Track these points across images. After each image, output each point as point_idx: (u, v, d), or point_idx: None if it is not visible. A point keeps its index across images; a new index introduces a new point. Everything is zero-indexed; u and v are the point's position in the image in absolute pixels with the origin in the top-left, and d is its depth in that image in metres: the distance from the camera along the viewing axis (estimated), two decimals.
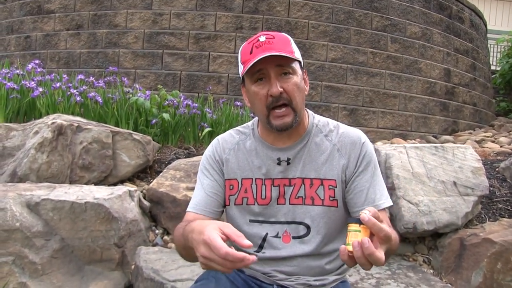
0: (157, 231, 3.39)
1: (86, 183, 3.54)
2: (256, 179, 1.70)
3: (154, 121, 4.53)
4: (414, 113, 7.18)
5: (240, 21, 6.55)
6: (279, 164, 1.68)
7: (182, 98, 5.10)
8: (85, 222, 2.92)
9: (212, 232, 1.27)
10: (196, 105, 4.91)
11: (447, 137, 6.99)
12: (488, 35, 10.16)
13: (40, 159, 3.43)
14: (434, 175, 3.54)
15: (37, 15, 7.36)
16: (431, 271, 3.35)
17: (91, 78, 5.02)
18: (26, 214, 2.86)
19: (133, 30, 6.66)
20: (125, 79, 5.10)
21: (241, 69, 1.63)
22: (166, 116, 4.51)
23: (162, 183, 3.49)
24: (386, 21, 7.08)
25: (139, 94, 4.78)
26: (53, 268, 2.86)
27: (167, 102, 4.81)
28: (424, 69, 7.37)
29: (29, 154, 3.42)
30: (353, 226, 1.28)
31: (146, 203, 3.43)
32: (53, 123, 3.54)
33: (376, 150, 3.68)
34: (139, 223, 3.19)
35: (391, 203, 1.69)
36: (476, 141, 6.45)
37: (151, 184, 3.54)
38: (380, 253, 1.25)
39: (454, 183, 3.55)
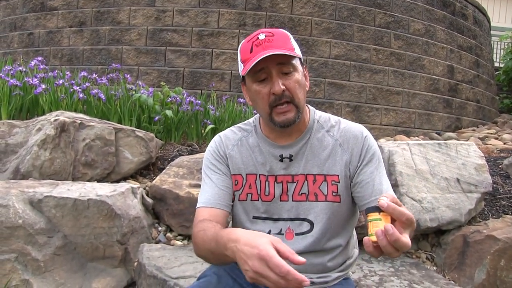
0: (160, 228, 3.39)
1: (89, 180, 3.54)
2: (260, 175, 1.70)
3: (157, 118, 4.53)
4: (418, 110, 7.17)
5: (243, 18, 6.54)
6: (281, 161, 1.68)
7: (185, 95, 5.09)
8: (88, 219, 2.92)
9: (269, 247, 1.22)
10: (199, 102, 4.90)
11: (451, 134, 6.97)
12: (492, 32, 10.14)
13: (42, 156, 3.43)
14: (437, 172, 3.54)
15: (40, 12, 7.37)
16: (434, 268, 3.34)
17: (94, 75, 5.02)
18: (29, 211, 2.86)
19: (136, 27, 6.66)
20: (128, 76, 5.09)
21: (241, 68, 1.62)
22: (169, 113, 4.50)
23: (165, 180, 3.48)
24: (389, 17, 7.06)
25: (142, 91, 4.77)
26: (55, 265, 2.86)
27: (170, 99, 4.81)
28: (427, 66, 7.36)
29: (32, 151, 3.42)
30: (373, 215, 1.24)
31: (149, 200, 3.43)
32: (55, 120, 3.54)
33: (379, 147, 3.66)
34: (142, 220, 3.19)
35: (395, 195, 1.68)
36: (479, 138, 6.43)
37: (154, 181, 3.54)
38: (406, 238, 1.21)
39: (458, 180, 3.54)
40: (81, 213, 2.91)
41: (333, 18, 6.75)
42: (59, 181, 3.26)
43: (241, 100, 5.42)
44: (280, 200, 1.68)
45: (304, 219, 1.67)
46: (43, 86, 4.36)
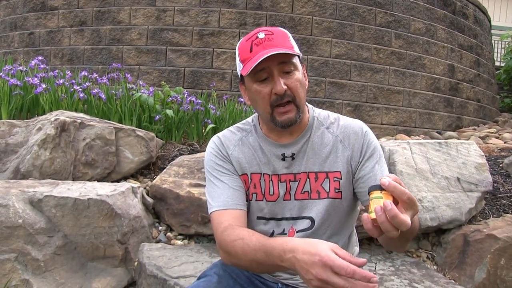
0: (160, 228, 3.39)
1: (89, 180, 3.54)
2: (264, 174, 1.68)
3: (157, 117, 4.53)
4: (418, 109, 7.17)
5: (244, 17, 6.54)
6: (283, 159, 1.67)
7: (186, 94, 5.10)
8: (88, 219, 2.92)
9: (330, 253, 1.22)
10: (199, 101, 4.90)
11: (451, 133, 6.97)
12: (492, 31, 10.13)
13: (43, 156, 3.43)
14: (437, 171, 3.53)
15: (40, 11, 7.37)
16: (435, 267, 3.34)
17: (95, 75, 5.02)
18: (29, 211, 2.86)
19: (137, 26, 6.66)
20: (129, 75, 5.09)
21: (239, 67, 1.60)
22: (169, 112, 4.50)
23: (165, 179, 3.48)
24: (390, 17, 7.06)
25: (142, 91, 4.77)
26: (56, 265, 2.86)
27: (170, 98, 4.81)
28: (428, 65, 7.35)
29: (32, 151, 3.42)
30: (374, 194, 1.23)
31: (149, 199, 3.43)
32: (56, 119, 3.54)
33: (380, 146, 3.67)
34: (142, 220, 3.19)
35: None
36: (480, 137, 6.43)
37: (154, 181, 3.54)
38: (405, 216, 1.20)
39: (458, 179, 3.54)
40: (82, 212, 2.91)
41: (334, 18, 6.74)
42: (59, 181, 3.26)
43: (242, 99, 5.41)
44: (284, 200, 1.67)
45: (306, 217, 1.66)
46: (44, 86, 4.36)
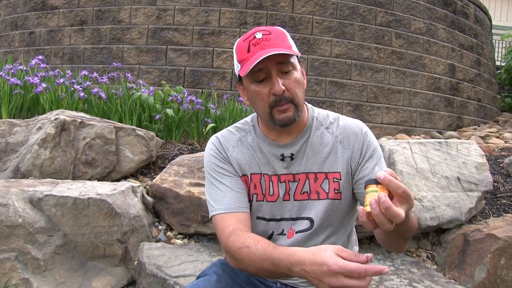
0: (160, 227, 3.39)
1: (89, 179, 3.54)
2: (264, 174, 1.68)
3: (157, 116, 4.53)
4: (419, 109, 7.16)
5: (244, 17, 6.53)
6: (282, 160, 1.66)
7: (186, 93, 5.09)
8: (88, 218, 2.92)
9: (337, 259, 1.23)
10: (200, 100, 4.90)
11: (452, 132, 6.96)
12: (493, 31, 10.12)
13: (43, 155, 3.43)
14: (437, 170, 3.53)
15: (41, 11, 7.37)
16: (435, 266, 3.34)
17: (95, 74, 5.01)
18: (29, 210, 2.86)
19: (137, 26, 6.66)
20: (129, 74, 5.09)
21: (237, 68, 1.59)
22: (169, 111, 4.50)
23: (165, 178, 3.48)
24: (390, 16, 7.05)
25: (142, 90, 4.77)
26: (56, 264, 2.86)
27: (170, 97, 4.81)
28: (428, 64, 7.35)
29: (32, 150, 3.42)
30: (370, 187, 1.25)
31: (149, 199, 3.43)
32: (56, 119, 3.54)
33: (380, 146, 3.66)
34: (142, 219, 3.19)
35: None
36: (480, 136, 6.42)
37: (154, 180, 3.54)
38: (399, 209, 1.21)
39: (458, 178, 3.54)
40: (81, 212, 2.91)
41: (334, 17, 6.74)
42: (59, 180, 3.26)
43: (242, 99, 5.40)
44: (283, 200, 1.67)
45: (305, 218, 1.66)
46: (44, 85, 4.36)
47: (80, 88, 4.46)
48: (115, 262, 3.00)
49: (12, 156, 3.59)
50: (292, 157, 1.66)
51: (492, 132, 6.87)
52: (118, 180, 3.68)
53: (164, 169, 3.65)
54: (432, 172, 3.51)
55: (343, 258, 1.23)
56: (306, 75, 1.68)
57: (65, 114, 3.70)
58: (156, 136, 4.09)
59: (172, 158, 4.01)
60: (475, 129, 7.47)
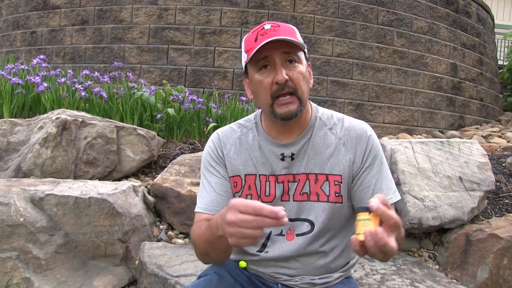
0: (161, 227, 3.39)
1: (91, 178, 3.54)
2: (260, 175, 1.66)
3: (159, 116, 4.53)
4: (420, 108, 7.15)
5: (246, 16, 6.53)
6: (283, 159, 1.64)
7: (187, 93, 5.09)
8: (89, 217, 2.92)
9: (241, 199, 1.26)
10: (201, 100, 4.90)
11: (454, 132, 6.95)
12: (496, 30, 10.09)
13: (44, 154, 3.43)
14: (439, 170, 3.52)
15: (42, 10, 7.37)
16: (437, 266, 3.34)
17: (96, 73, 5.02)
18: (30, 209, 2.86)
19: (139, 25, 6.66)
20: (130, 74, 5.09)
21: (244, 58, 1.58)
22: (171, 111, 4.50)
23: (166, 178, 3.48)
24: (392, 15, 7.04)
25: (144, 89, 4.77)
26: (57, 263, 2.86)
27: (172, 97, 4.80)
28: (430, 64, 7.34)
29: (34, 149, 3.42)
30: (362, 215, 1.25)
31: (150, 198, 3.43)
32: (57, 118, 3.54)
33: (382, 145, 3.66)
34: (143, 218, 3.19)
35: (399, 197, 1.65)
36: (483, 136, 6.41)
37: (155, 179, 3.54)
38: (393, 242, 1.21)
39: (460, 178, 3.53)
40: (83, 211, 2.91)
41: (336, 16, 6.73)
42: (61, 179, 3.26)
43: (243, 98, 5.41)
44: (281, 200, 1.64)
45: (304, 220, 1.64)
46: (45, 85, 4.36)
47: (82, 88, 4.46)
48: (116, 261, 3.00)
49: (14, 155, 3.59)
50: (292, 157, 1.64)
51: (494, 132, 6.86)
52: (119, 179, 3.68)
53: (165, 169, 3.65)
54: (434, 172, 3.50)
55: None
56: None
57: (66, 114, 3.70)
58: (157, 135, 4.09)
59: (173, 158, 4.01)
60: (477, 128, 7.46)
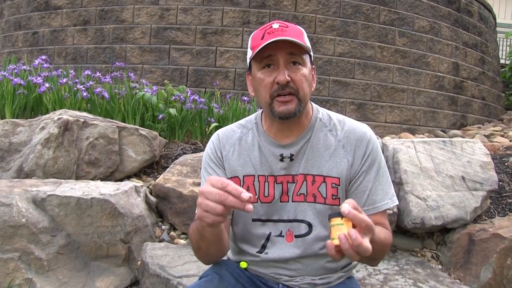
0: (163, 227, 3.38)
1: (93, 179, 3.53)
2: (258, 176, 1.66)
3: (160, 116, 4.52)
4: (423, 108, 7.14)
5: (247, 16, 6.53)
6: (282, 160, 1.64)
7: (189, 93, 5.08)
8: (91, 218, 2.92)
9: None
10: (203, 100, 4.89)
11: (456, 131, 6.93)
12: (498, 29, 10.08)
13: (46, 155, 3.43)
14: (442, 169, 3.51)
15: (44, 11, 7.38)
16: (440, 266, 3.33)
17: (98, 74, 5.01)
18: (32, 210, 2.86)
19: (140, 25, 6.66)
20: (132, 74, 5.09)
21: (249, 55, 1.58)
22: (172, 111, 4.50)
23: (168, 178, 3.48)
24: (393, 15, 7.03)
25: (145, 90, 4.77)
26: (59, 264, 2.86)
27: (174, 97, 4.80)
28: (432, 63, 7.33)
29: (36, 150, 3.42)
30: (335, 220, 1.28)
31: (152, 198, 3.42)
32: (59, 118, 3.54)
33: (384, 145, 3.66)
34: (145, 219, 3.18)
35: (395, 202, 1.65)
36: (485, 135, 6.39)
37: (157, 180, 3.53)
38: (367, 243, 1.23)
39: (463, 177, 3.52)
40: (85, 211, 2.91)
41: (337, 16, 6.72)
42: (63, 180, 3.26)
43: (245, 98, 5.40)
44: (281, 201, 1.64)
45: (302, 221, 1.64)
46: (47, 85, 4.36)
47: (83, 88, 4.45)
48: (119, 262, 3.00)
49: (16, 156, 3.59)
50: (291, 157, 1.64)
51: (497, 131, 6.84)
52: (121, 180, 3.67)
53: (167, 169, 3.64)
54: (436, 171, 3.50)
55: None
56: None
57: (68, 114, 3.70)
58: (159, 135, 4.09)
59: (175, 158, 4.00)
60: (480, 127, 7.44)
